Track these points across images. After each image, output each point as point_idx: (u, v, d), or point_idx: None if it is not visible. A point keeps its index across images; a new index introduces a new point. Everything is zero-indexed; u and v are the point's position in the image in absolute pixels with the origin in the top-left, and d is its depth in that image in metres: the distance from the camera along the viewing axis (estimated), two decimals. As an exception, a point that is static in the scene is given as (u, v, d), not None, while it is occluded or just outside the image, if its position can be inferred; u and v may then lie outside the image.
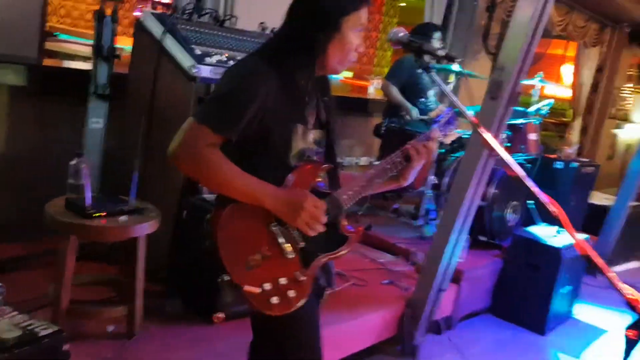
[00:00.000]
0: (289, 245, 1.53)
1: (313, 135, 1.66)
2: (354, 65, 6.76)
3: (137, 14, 4.34)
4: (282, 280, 1.50)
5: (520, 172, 1.50)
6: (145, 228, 2.16)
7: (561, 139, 9.11)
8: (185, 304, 2.52)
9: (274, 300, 1.48)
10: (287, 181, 1.56)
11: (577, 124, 8.92)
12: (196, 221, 2.60)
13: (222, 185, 1.51)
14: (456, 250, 3.09)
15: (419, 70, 4.46)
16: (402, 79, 4.51)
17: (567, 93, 9.57)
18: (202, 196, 2.62)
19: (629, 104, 11.35)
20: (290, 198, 1.50)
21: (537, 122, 4.42)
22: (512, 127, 4.27)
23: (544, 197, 1.45)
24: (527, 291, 3.84)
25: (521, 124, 4.28)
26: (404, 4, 9.01)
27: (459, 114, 1.77)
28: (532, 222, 4.26)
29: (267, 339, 1.67)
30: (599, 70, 8.94)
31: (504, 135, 4.21)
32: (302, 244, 1.54)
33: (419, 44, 1.63)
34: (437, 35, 4.50)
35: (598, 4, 7.47)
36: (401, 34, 1.68)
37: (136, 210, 2.21)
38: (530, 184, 1.50)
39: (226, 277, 1.47)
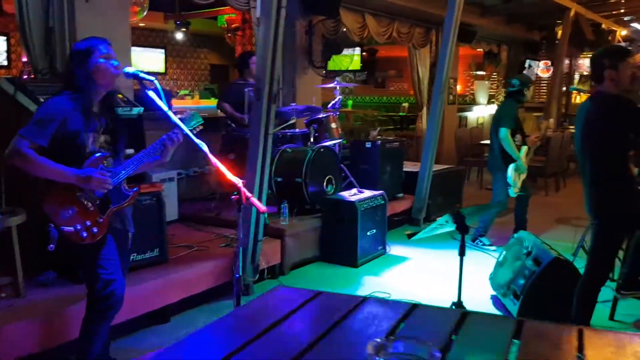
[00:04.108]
0: (89, 203, 2.67)
1: (103, 138, 2.80)
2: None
3: None
4: (88, 223, 2.65)
5: (217, 164, 2.64)
6: (16, 220, 3.24)
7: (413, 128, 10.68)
8: (59, 275, 3.60)
9: (84, 234, 2.62)
10: (84, 166, 2.68)
11: (424, 113, 10.46)
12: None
13: (43, 172, 2.60)
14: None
15: (247, 89, 5.77)
16: (231, 99, 5.76)
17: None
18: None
19: (472, 89, 13.21)
20: (85, 174, 2.61)
21: (335, 115, 5.79)
22: (317, 121, 5.61)
23: (231, 176, 2.62)
24: (340, 237, 5.14)
25: (323, 117, 5.62)
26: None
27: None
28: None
29: (83, 263, 2.77)
30: (433, 65, 10.57)
31: (311, 128, 5.55)
32: (97, 202, 2.69)
33: (133, 74, 2.70)
34: (253, 59, 5.81)
35: (414, 14, 8.99)
36: (129, 70, 2.73)
37: (7, 212, 3.29)
38: (222, 167, 2.64)
39: (52, 225, 2.58)
